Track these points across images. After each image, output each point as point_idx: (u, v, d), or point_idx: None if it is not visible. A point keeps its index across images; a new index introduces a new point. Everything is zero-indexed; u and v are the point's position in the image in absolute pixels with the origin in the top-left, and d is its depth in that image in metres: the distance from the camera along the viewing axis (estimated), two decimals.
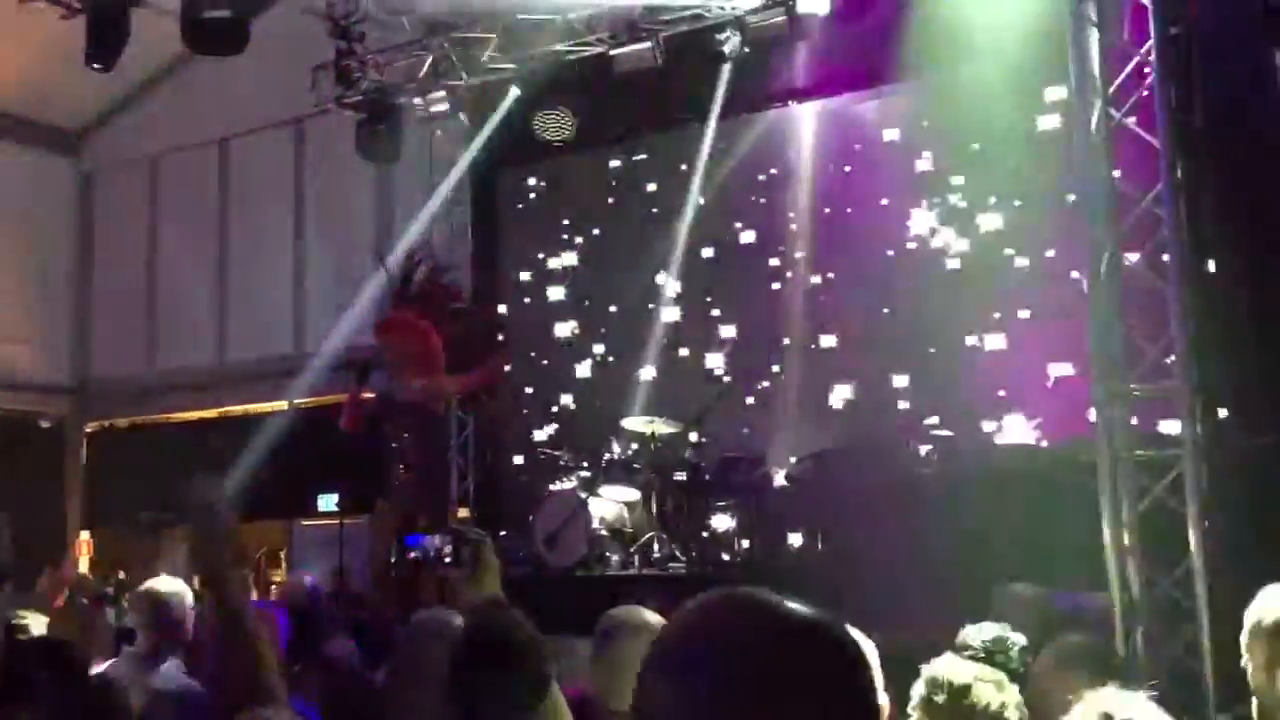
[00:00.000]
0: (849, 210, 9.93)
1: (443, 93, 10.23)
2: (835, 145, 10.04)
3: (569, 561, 8.79)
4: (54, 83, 11.67)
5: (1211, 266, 6.11)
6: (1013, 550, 5.69)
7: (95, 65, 9.03)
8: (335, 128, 10.80)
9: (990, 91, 8.71)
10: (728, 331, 10.48)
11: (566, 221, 11.34)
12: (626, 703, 1.20)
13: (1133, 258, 5.71)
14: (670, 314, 10.77)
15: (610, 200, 11.20)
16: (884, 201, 9.72)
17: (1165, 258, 5.50)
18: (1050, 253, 8.75)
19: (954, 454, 7.79)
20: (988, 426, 8.79)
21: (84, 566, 12.14)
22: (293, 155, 12.92)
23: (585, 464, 9.65)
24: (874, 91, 9.73)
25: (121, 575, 9.61)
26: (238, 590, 2.42)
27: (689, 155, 10.54)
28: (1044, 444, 7.30)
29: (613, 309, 10.99)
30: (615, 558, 8.93)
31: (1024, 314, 8.92)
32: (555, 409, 11.10)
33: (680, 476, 8.86)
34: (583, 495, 8.93)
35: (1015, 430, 8.47)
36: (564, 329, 11.24)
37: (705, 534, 8.66)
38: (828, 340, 9.93)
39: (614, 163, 11.16)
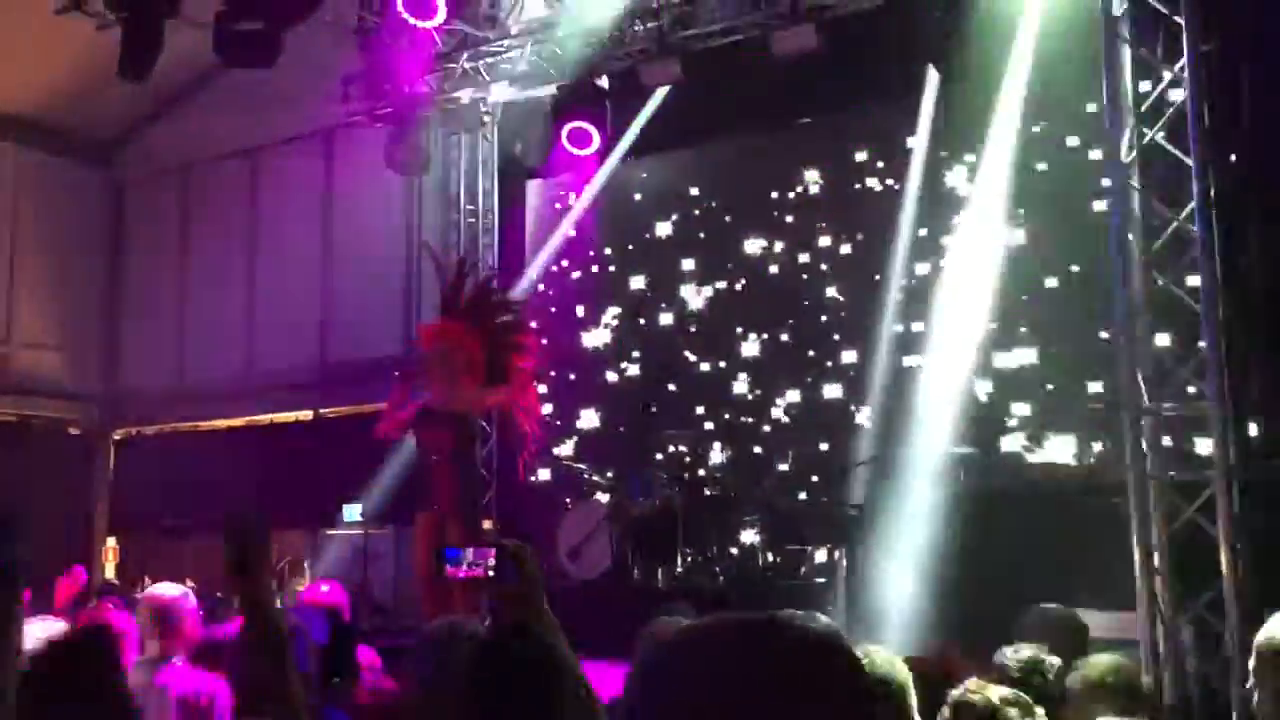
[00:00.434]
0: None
1: (471, 104, 10.28)
2: None
3: (593, 574, 8.79)
4: (87, 93, 11.79)
5: (1244, 285, 6.05)
6: (1042, 570, 5.63)
7: (128, 76, 9.12)
8: (364, 138, 10.86)
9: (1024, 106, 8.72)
10: (750, 349, 10.45)
11: (593, 235, 11.36)
12: None
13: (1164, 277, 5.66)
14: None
15: (639, 213, 11.21)
16: None
17: (1197, 277, 5.45)
18: (1076, 268, 8.69)
19: (983, 472, 7.74)
20: (1018, 444, 8.74)
21: (110, 572, 12.22)
22: (321, 166, 13.01)
23: (609, 476, 9.67)
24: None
25: (147, 581, 9.68)
26: (271, 606, 2.42)
27: (718, 169, 10.57)
28: (1074, 463, 7.23)
29: (641, 321, 11.01)
30: (639, 571, 8.92)
31: (1054, 330, 8.86)
32: (579, 421, 11.11)
33: (707, 490, 8.83)
34: (607, 508, 8.93)
35: (1050, 449, 8.39)
36: (591, 340, 11.24)
37: (731, 548, 8.64)
38: (849, 356, 9.89)
39: (643, 174, 11.17)
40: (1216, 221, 5.53)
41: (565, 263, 11.42)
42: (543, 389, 7.36)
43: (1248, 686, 2.62)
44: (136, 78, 9.13)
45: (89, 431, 14.25)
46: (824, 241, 10.20)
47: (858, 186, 10.07)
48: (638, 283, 11.17)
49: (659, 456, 9.87)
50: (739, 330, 10.48)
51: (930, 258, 9.60)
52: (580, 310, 11.35)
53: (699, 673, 1.15)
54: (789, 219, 10.43)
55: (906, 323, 9.60)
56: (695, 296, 10.82)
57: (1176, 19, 5.67)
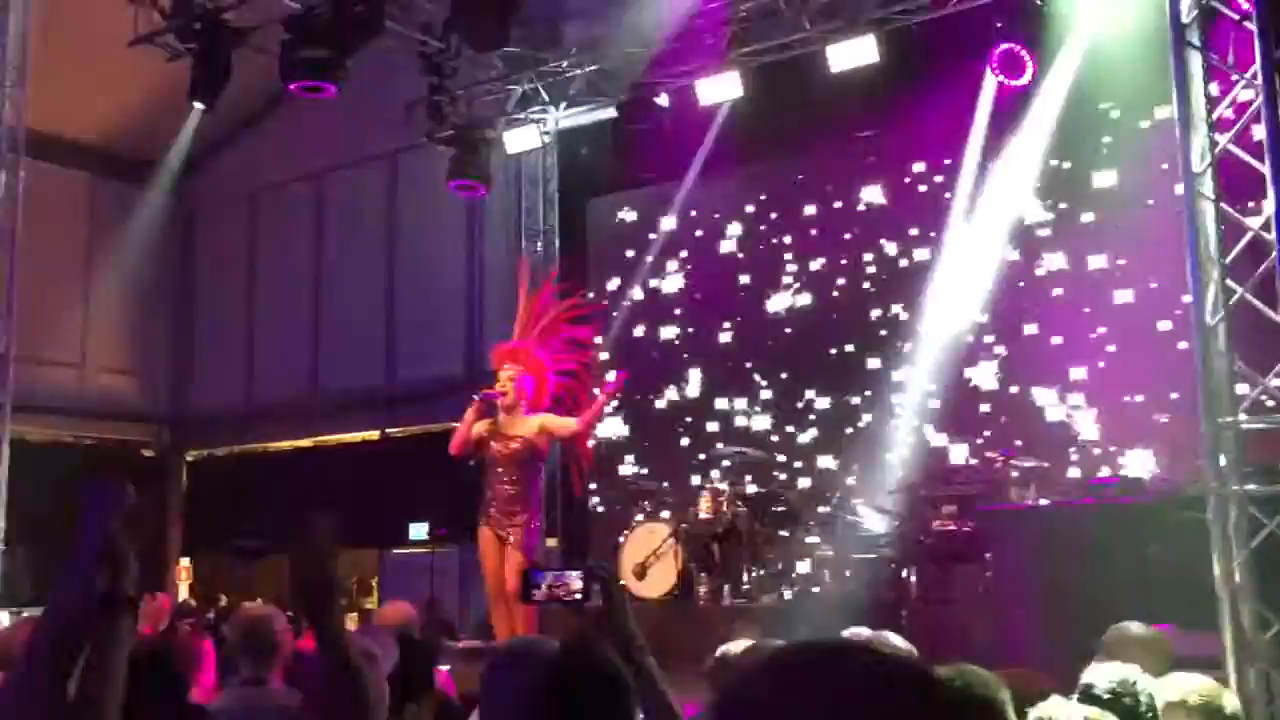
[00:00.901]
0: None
1: (531, 125, 10.37)
2: None
3: (658, 592, 8.78)
4: (158, 121, 12.05)
5: None
6: (1123, 588, 5.53)
7: (199, 104, 9.32)
8: (427, 161, 10.99)
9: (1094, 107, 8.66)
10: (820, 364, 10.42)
11: (649, 257, 11.35)
12: None
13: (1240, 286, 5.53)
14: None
15: (699, 232, 11.21)
16: None
17: (1276, 286, 5.33)
18: (1154, 284, 8.54)
19: (1058, 488, 7.63)
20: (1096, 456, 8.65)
21: (184, 592, 12.43)
22: (386, 188, 13.18)
23: (672, 494, 9.66)
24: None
25: (223, 601, 9.84)
26: (340, 626, 2.44)
27: (774, 185, 10.55)
28: (1153, 478, 7.10)
29: (692, 332, 11.01)
30: (704, 589, 8.90)
31: (1131, 344, 8.74)
32: (644, 437, 11.11)
33: (774, 508, 8.78)
34: (671, 526, 8.92)
35: (1135, 464, 8.25)
36: (658, 359, 11.22)
37: (795, 565, 8.58)
38: (898, 375, 9.82)
39: (704, 192, 11.14)
40: None
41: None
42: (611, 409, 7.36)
43: None
44: (206, 105, 9.33)
45: (162, 454, 14.53)
46: (890, 250, 10.13)
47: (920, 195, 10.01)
48: (697, 296, 11.15)
49: (716, 472, 9.89)
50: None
51: (993, 270, 9.52)
52: (640, 330, 11.34)
53: (782, 706, 1.13)
54: (848, 235, 10.38)
55: (974, 335, 9.52)
56: (760, 310, 10.77)
57: (1248, 25, 5.56)
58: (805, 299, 10.52)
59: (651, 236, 11.34)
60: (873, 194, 10.26)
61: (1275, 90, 5.53)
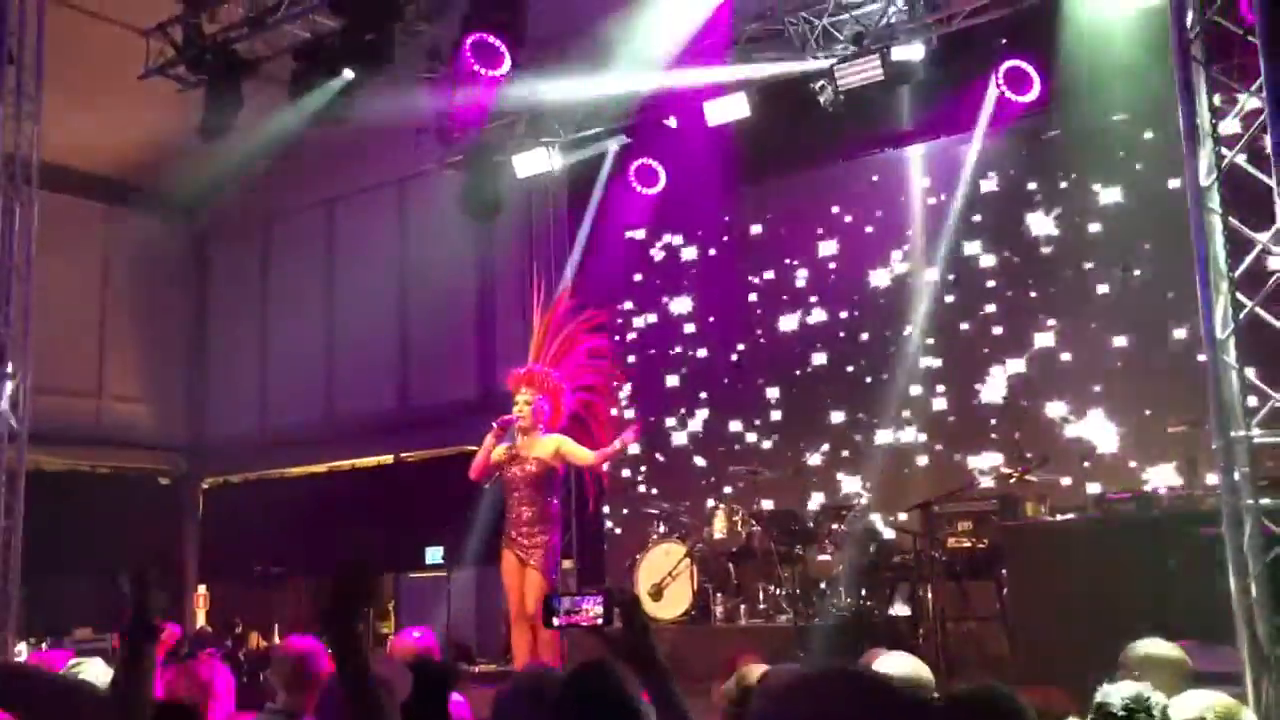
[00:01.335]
0: None
1: (541, 149, 10.42)
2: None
3: (674, 613, 8.78)
4: (170, 152, 12.14)
5: None
6: (1142, 604, 5.51)
7: (210, 133, 9.41)
8: (437, 186, 11.04)
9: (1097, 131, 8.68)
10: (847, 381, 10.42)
11: (659, 280, 11.37)
12: None
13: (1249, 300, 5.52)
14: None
15: (713, 251, 11.23)
16: None
17: None
18: (1171, 294, 8.54)
19: (1075, 503, 7.61)
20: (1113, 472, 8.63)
21: (201, 619, 12.45)
22: (396, 214, 13.25)
23: (688, 516, 9.66)
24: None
25: (239, 628, 9.86)
26: (364, 652, 2.46)
27: (788, 204, 10.59)
28: (1165, 492, 7.05)
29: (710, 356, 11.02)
30: (720, 609, 8.89)
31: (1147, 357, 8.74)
32: (661, 458, 11.12)
33: (790, 526, 8.78)
34: (689, 546, 8.92)
35: (1154, 478, 8.22)
36: (671, 381, 11.23)
37: (812, 585, 8.56)
38: (914, 388, 9.80)
39: (713, 211, 11.17)
40: None
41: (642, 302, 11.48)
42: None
43: None
44: (218, 135, 9.42)
45: (178, 481, 14.59)
46: (901, 269, 10.16)
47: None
48: (710, 319, 11.16)
49: (728, 490, 9.90)
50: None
51: (1003, 284, 9.54)
52: (652, 350, 11.36)
53: None
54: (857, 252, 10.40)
55: (988, 350, 9.52)
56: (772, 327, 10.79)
57: (1251, 39, 5.57)
58: (818, 316, 10.52)
59: (662, 256, 11.38)
60: (882, 211, 10.28)
61: None
